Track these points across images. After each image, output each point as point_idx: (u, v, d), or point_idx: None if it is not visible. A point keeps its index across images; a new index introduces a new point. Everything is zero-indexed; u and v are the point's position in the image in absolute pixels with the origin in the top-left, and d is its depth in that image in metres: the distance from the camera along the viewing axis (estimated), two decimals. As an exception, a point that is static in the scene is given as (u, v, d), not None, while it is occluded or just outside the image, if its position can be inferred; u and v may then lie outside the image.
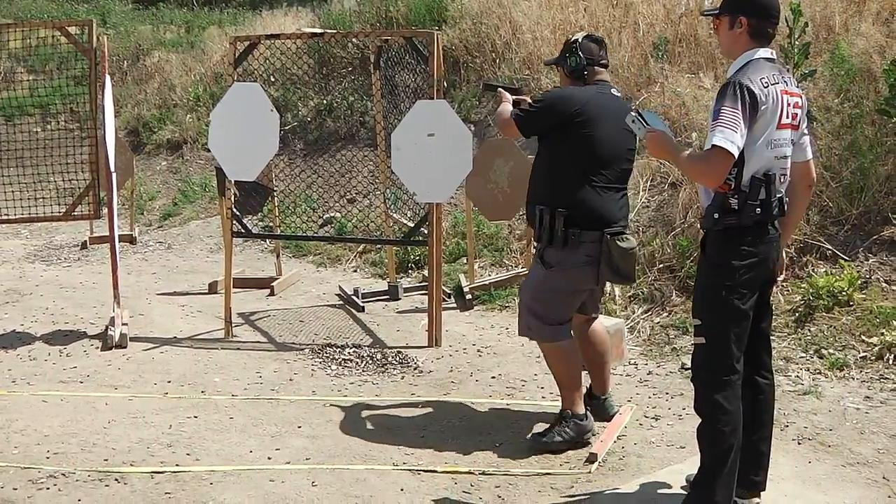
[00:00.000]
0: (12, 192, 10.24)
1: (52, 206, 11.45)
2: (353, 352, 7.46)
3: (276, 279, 9.76)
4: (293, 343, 7.82)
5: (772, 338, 4.93)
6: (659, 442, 5.66)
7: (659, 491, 5.00)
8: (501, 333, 7.94)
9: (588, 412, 5.78)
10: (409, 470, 5.39)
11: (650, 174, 9.29)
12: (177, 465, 5.47)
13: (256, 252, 11.60)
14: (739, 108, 4.22)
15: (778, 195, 4.45)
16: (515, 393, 6.60)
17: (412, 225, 8.47)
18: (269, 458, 5.55)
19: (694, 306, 4.65)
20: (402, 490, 5.14)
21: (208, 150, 14.78)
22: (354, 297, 9.08)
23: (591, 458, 5.44)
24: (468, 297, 8.71)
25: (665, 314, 7.79)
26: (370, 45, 10.06)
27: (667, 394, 6.48)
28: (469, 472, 5.36)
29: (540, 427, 5.85)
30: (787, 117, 4.43)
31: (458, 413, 6.23)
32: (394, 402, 6.46)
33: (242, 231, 8.23)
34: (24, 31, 16.96)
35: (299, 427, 6.04)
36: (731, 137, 4.17)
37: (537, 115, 5.67)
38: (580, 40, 5.72)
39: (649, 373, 6.91)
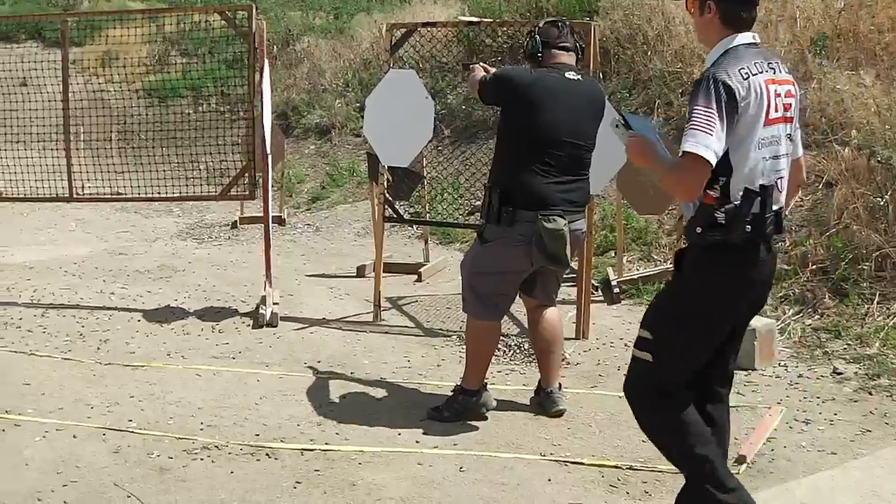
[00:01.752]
0: (164, 170, 10.53)
1: (202, 186, 11.76)
2: (501, 341, 7.44)
3: (424, 265, 9.81)
4: (441, 329, 7.85)
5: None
6: (809, 447, 5.51)
7: (810, 497, 4.90)
8: (648, 328, 7.84)
9: (481, 389, 5.90)
10: (557, 461, 5.36)
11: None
12: (326, 443, 5.54)
13: (403, 238, 11.68)
14: (714, 107, 3.72)
15: (775, 208, 3.95)
16: (662, 389, 6.52)
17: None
18: (416, 442, 5.59)
19: (647, 316, 4.21)
20: (549, 480, 5.12)
21: (357, 136, 14.98)
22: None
23: (740, 460, 5.33)
24: (616, 290, 8.62)
25: (817, 316, 7.60)
26: (524, 34, 10.02)
27: (818, 398, 6.31)
28: (616, 466, 5.31)
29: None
30: (777, 110, 3.91)
31: (605, 406, 6.17)
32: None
33: (394, 216, 8.29)
34: (179, 16, 17.43)
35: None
36: (704, 141, 3.69)
37: (491, 85, 5.78)
38: (540, 24, 5.82)
39: (800, 375, 6.75)
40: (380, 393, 6.40)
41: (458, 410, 5.87)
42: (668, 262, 9.00)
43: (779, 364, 6.96)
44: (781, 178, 3.96)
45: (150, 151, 13.21)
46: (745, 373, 6.74)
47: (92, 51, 17.62)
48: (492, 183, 5.71)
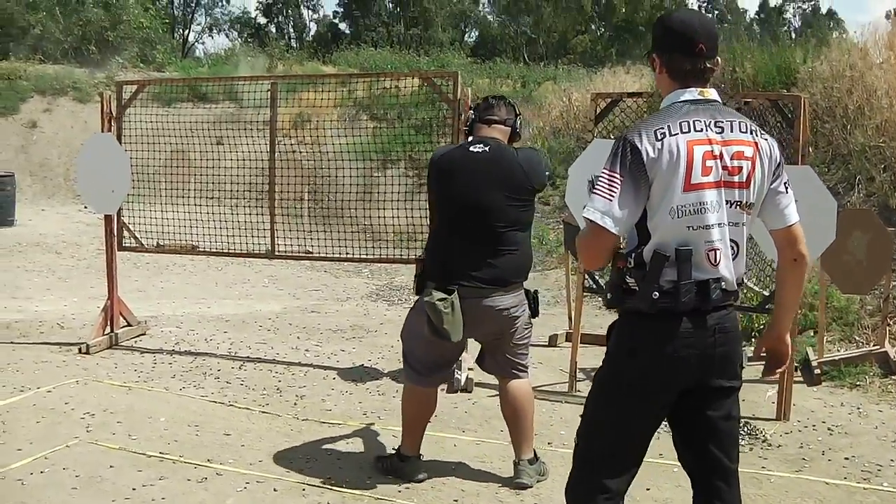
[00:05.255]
0: (352, 231, 10.73)
1: (389, 248, 11.89)
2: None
3: (616, 336, 9.68)
4: (636, 402, 7.72)
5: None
6: None
7: None
8: (853, 413, 7.55)
9: (415, 458, 6.00)
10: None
11: None
12: (525, 515, 5.48)
13: (594, 308, 11.53)
14: (618, 170, 3.44)
15: (703, 277, 3.53)
16: (871, 478, 6.21)
17: (760, 291, 8.23)
18: (615, 517, 5.46)
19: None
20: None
21: (545, 204, 15.01)
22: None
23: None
24: (816, 371, 8.33)
25: None
26: (729, 105, 9.91)
27: None
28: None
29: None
30: (709, 174, 3.50)
31: (812, 493, 5.91)
32: (744, 473, 6.22)
33: (594, 287, 8.24)
34: (371, 81, 17.85)
35: (647, 489, 5.87)
36: (602, 207, 3.43)
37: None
38: (480, 100, 5.95)
39: None
40: (578, 465, 6.30)
41: (387, 469, 6.00)
42: (871, 343, 8.68)
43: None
44: (715, 249, 3.54)
45: (338, 212, 13.47)
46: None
47: (286, 112, 18.19)
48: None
